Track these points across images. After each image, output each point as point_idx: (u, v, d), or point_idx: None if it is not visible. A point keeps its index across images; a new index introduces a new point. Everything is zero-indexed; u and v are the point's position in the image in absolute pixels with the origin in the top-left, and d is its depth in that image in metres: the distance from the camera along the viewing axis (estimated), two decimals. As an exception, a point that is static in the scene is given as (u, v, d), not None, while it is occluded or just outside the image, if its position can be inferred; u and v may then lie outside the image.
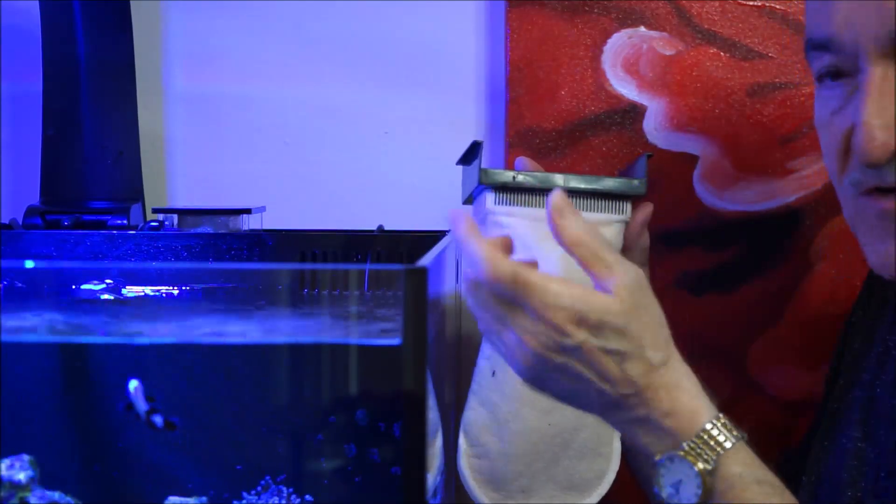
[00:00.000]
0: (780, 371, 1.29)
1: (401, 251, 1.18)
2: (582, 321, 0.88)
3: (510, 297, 0.89)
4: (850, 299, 1.25)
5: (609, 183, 1.07)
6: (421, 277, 0.87)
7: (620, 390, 0.89)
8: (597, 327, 0.88)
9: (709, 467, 0.88)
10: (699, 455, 0.88)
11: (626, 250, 1.08)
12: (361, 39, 1.33)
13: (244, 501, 1.13)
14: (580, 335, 0.88)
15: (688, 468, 0.88)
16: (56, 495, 1.01)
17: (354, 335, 1.06)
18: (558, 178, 1.06)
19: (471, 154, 1.09)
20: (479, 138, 1.11)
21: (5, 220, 1.23)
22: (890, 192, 0.92)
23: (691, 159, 1.28)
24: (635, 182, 1.07)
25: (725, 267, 1.29)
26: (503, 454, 1.08)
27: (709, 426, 0.89)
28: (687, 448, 0.89)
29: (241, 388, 1.16)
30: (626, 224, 1.08)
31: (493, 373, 1.08)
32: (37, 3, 1.25)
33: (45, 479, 1.02)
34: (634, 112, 1.28)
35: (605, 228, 1.06)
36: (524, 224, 1.05)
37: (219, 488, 1.13)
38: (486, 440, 1.08)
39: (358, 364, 1.12)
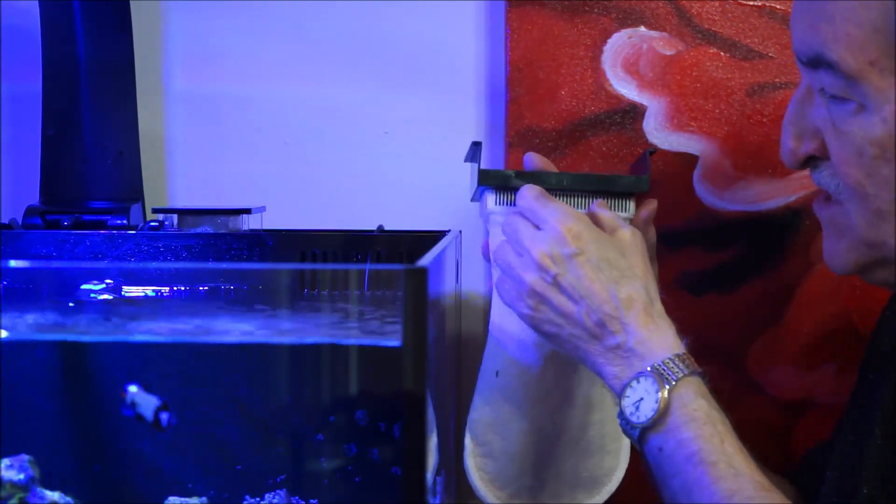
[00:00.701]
0: (780, 371, 1.29)
1: (401, 251, 1.18)
2: (586, 232, 1.00)
3: (533, 213, 1.01)
4: (851, 299, 1.25)
5: (611, 180, 1.07)
6: (421, 277, 0.87)
7: (606, 310, 0.98)
8: (599, 241, 1.00)
9: (669, 386, 0.95)
10: (662, 375, 0.96)
11: None
12: (361, 39, 1.33)
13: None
14: (585, 241, 0.99)
15: (650, 384, 0.96)
16: (56, 495, 1.01)
17: (355, 335, 1.06)
18: (558, 177, 1.06)
19: (472, 154, 1.09)
20: (478, 139, 1.11)
21: (5, 220, 1.23)
22: (828, 200, 0.99)
23: (691, 159, 1.28)
24: (637, 179, 1.07)
25: (725, 267, 1.29)
26: (508, 453, 1.08)
27: (676, 354, 0.97)
28: (650, 369, 0.96)
29: (240, 388, 1.16)
30: (630, 221, 1.08)
31: (497, 373, 1.08)
32: (37, 3, 1.25)
33: (45, 479, 1.01)
34: (634, 112, 1.28)
35: None
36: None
37: (218, 488, 1.13)
38: (491, 439, 1.08)
39: (358, 364, 1.12)
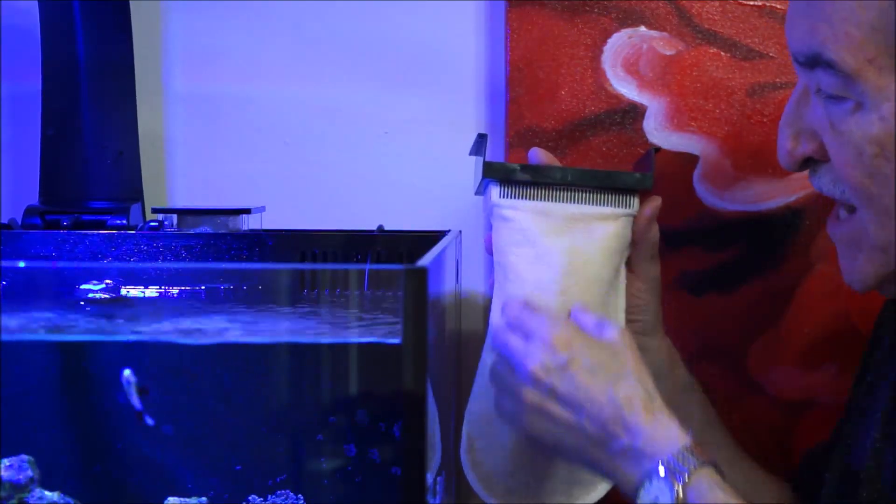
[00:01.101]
0: (780, 371, 1.28)
1: (401, 251, 1.18)
2: (575, 339, 0.98)
3: (515, 324, 1.00)
4: (850, 299, 1.25)
5: (615, 176, 1.07)
6: (421, 277, 0.87)
7: (607, 414, 0.96)
8: (590, 345, 0.98)
9: (682, 482, 0.93)
10: (673, 471, 0.94)
11: (634, 244, 1.08)
12: (361, 39, 1.33)
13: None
14: (575, 349, 0.98)
15: (663, 484, 0.93)
16: (56, 495, 1.01)
17: (354, 335, 1.06)
18: (563, 172, 1.06)
19: (477, 147, 1.09)
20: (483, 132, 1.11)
21: (5, 220, 1.23)
22: (837, 218, 0.99)
23: (691, 159, 1.28)
24: (642, 175, 1.07)
25: (725, 267, 1.29)
26: (504, 449, 1.08)
27: (684, 447, 0.95)
28: (661, 466, 0.94)
29: (240, 388, 1.16)
30: (634, 218, 1.08)
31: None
32: (37, 3, 1.24)
33: (45, 479, 1.02)
34: (634, 112, 1.28)
35: (612, 222, 1.06)
36: (529, 217, 1.06)
37: (218, 488, 1.13)
38: (487, 431, 1.08)
39: (358, 364, 1.12)
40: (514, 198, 1.06)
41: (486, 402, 1.08)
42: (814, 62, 0.94)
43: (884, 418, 1.02)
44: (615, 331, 1.00)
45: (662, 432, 0.96)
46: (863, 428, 1.05)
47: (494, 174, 1.06)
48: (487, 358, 1.09)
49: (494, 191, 1.06)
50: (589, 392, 0.97)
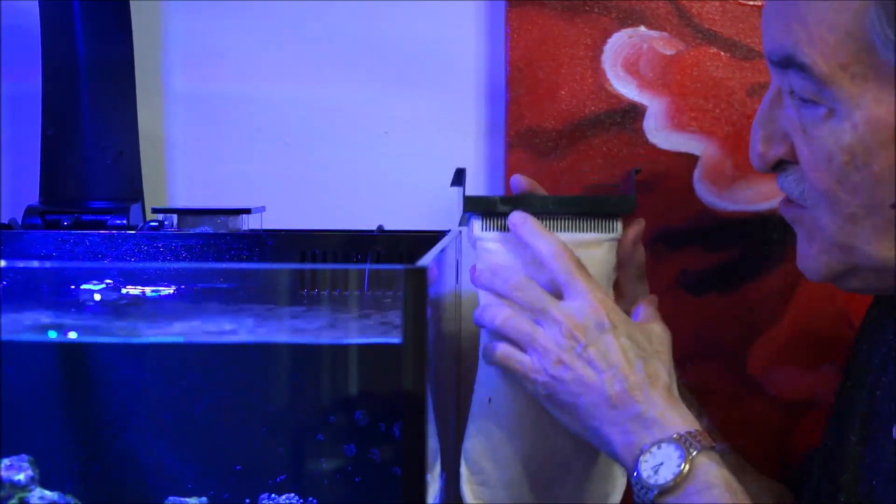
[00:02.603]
0: (780, 371, 1.28)
1: (401, 251, 1.18)
2: (617, 310, 1.01)
3: (565, 279, 1.01)
4: (850, 299, 1.25)
5: (597, 202, 1.07)
6: (421, 277, 0.87)
7: (632, 381, 0.98)
8: (629, 323, 1.01)
9: (694, 452, 0.95)
10: (687, 443, 0.95)
11: (620, 267, 1.08)
12: (361, 39, 1.33)
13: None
14: (617, 319, 1.00)
15: (672, 450, 0.95)
16: (56, 495, 1.01)
17: (354, 335, 1.06)
18: (543, 201, 1.06)
19: (456, 179, 1.09)
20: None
21: (5, 220, 1.23)
22: (791, 203, 0.98)
23: (691, 159, 1.28)
24: (623, 199, 1.06)
25: (725, 267, 1.29)
26: (503, 481, 1.08)
27: (697, 430, 0.97)
28: (676, 436, 0.96)
29: (240, 388, 1.16)
30: (619, 241, 1.07)
31: (489, 400, 1.08)
32: (37, 3, 1.24)
33: (45, 479, 1.01)
34: (634, 112, 1.28)
35: (595, 247, 1.06)
36: (511, 249, 1.06)
37: (218, 488, 1.13)
38: (485, 467, 1.08)
39: (358, 364, 1.12)
40: (496, 230, 1.06)
41: (479, 439, 1.08)
42: (787, 63, 0.92)
43: (861, 423, 1.02)
44: (660, 326, 1.04)
45: (679, 412, 0.98)
46: (843, 433, 1.05)
47: (475, 208, 1.06)
48: (479, 392, 1.09)
49: (476, 224, 1.06)
50: (620, 359, 0.99)
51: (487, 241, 1.06)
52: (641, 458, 0.96)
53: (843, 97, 0.89)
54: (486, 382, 1.08)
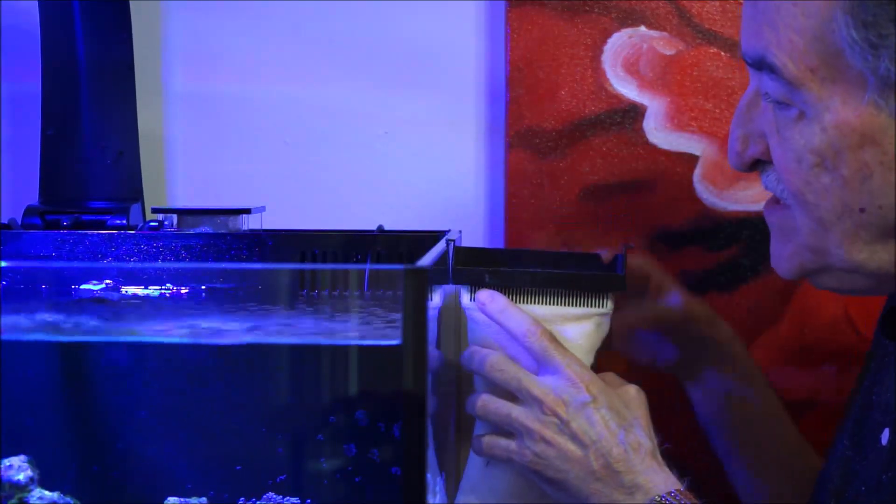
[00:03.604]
0: (780, 371, 1.28)
1: (401, 251, 1.18)
2: (597, 382, 1.03)
3: (541, 356, 1.03)
4: (851, 299, 1.25)
5: (586, 279, 1.06)
6: (421, 277, 0.87)
7: (615, 454, 1.01)
8: (608, 392, 1.03)
9: None
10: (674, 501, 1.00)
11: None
12: (361, 39, 1.33)
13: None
14: (596, 390, 1.02)
15: None
16: (56, 495, 1.01)
17: (355, 335, 1.06)
18: (533, 277, 1.06)
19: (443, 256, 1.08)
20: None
21: (4, 220, 1.23)
22: (777, 204, 0.98)
23: (691, 159, 1.28)
24: (611, 277, 1.06)
25: (725, 267, 1.29)
26: None
27: (679, 490, 1.01)
28: (658, 498, 1.00)
29: (240, 389, 1.16)
30: (608, 316, 1.07)
31: (487, 463, 1.08)
32: (37, 3, 1.24)
33: (45, 479, 1.01)
34: (634, 112, 1.28)
35: (585, 321, 1.06)
36: None
37: (218, 489, 1.13)
38: None
39: (358, 364, 1.12)
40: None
41: (473, 498, 1.08)
42: (760, 65, 0.93)
43: (854, 430, 1.03)
44: (633, 387, 1.06)
45: (662, 476, 1.01)
46: (838, 439, 1.05)
47: (463, 280, 1.06)
48: (475, 454, 1.09)
49: (464, 295, 1.07)
50: (602, 432, 1.01)
51: (476, 311, 1.06)
52: None
53: (812, 100, 0.89)
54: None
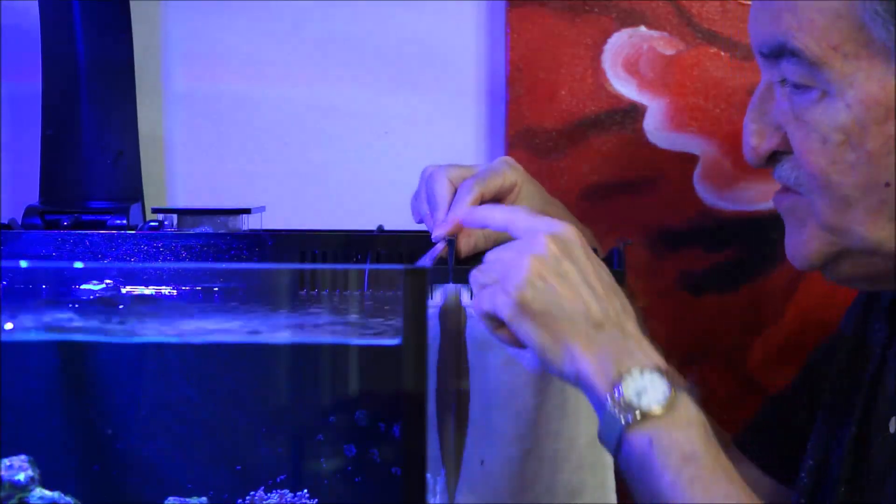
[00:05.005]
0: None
1: (401, 251, 1.18)
2: (589, 249, 0.96)
3: (535, 219, 0.96)
4: (850, 299, 1.25)
5: None
6: (421, 277, 0.87)
7: (610, 309, 0.93)
8: (598, 261, 0.96)
9: (677, 386, 0.91)
10: (670, 376, 0.92)
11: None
12: (361, 39, 1.33)
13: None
14: (590, 252, 0.95)
15: (657, 378, 0.91)
16: (56, 495, 1.01)
17: (355, 335, 1.06)
18: None
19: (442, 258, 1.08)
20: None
21: (4, 220, 1.23)
22: (788, 191, 0.98)
23: (691, 159, 1.28)
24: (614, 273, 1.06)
25: (725, 267, 1.29)
26: None
27: (671, 368, 0.93)
28: (659, 367, 0.92)
29: (240, 389, 1.16)
30: None
31: (482, 462, 1.08)
32: (37, 3, 1.24)
33: (45, 479, 1.01)
34: (634, 112, 1.28)
35: None
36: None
37: (218, 488, 1.13)
38: None
39: (358, 364, 1.12)
40: None
41: (472, 499, 1.09)
42: (779, 53, 0.93)
43: (862, 417, 1.03)
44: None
45: (655, 350, 0.94)
46: (841, 427, 1.05)
47: (464, 280, 1.05)
48: (472, 452, 1.09)
49: (465, 295, 1.06)
50: (598, 283, 0.95)
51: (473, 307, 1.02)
52: (623, 382, 0.91)
53: (835, 78, 0.90)
54: (478, 445, 1.08)
